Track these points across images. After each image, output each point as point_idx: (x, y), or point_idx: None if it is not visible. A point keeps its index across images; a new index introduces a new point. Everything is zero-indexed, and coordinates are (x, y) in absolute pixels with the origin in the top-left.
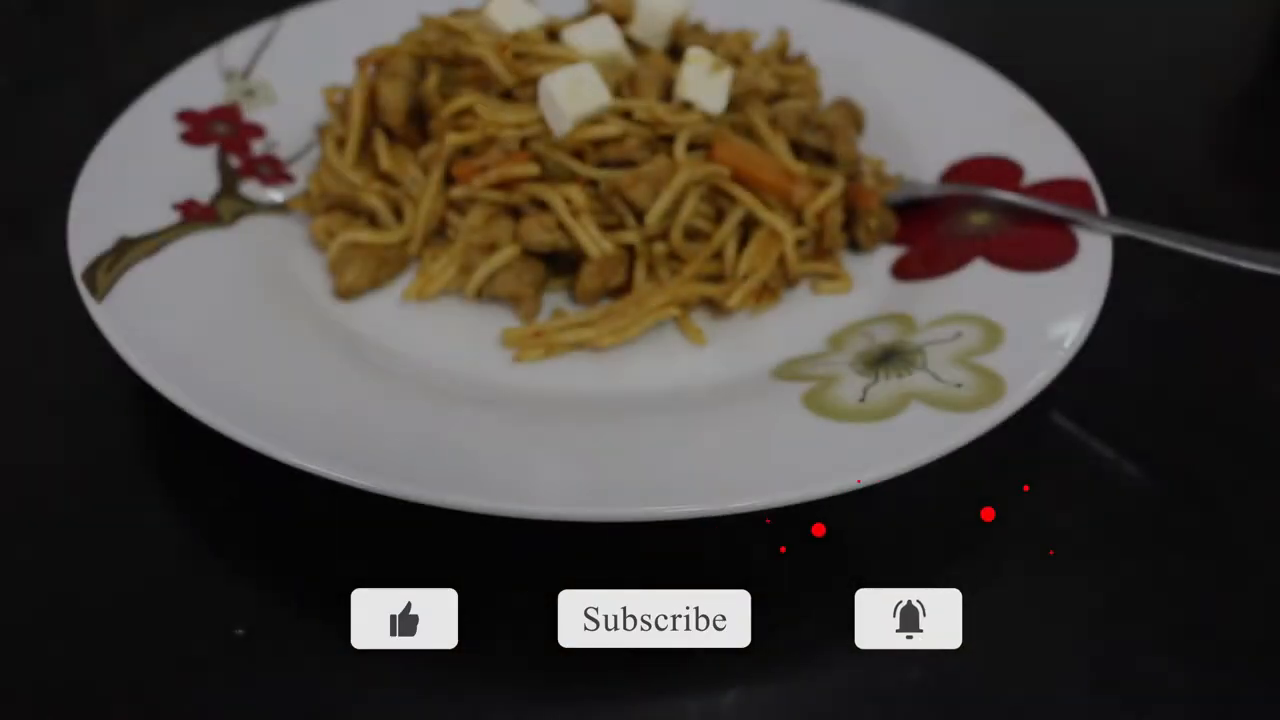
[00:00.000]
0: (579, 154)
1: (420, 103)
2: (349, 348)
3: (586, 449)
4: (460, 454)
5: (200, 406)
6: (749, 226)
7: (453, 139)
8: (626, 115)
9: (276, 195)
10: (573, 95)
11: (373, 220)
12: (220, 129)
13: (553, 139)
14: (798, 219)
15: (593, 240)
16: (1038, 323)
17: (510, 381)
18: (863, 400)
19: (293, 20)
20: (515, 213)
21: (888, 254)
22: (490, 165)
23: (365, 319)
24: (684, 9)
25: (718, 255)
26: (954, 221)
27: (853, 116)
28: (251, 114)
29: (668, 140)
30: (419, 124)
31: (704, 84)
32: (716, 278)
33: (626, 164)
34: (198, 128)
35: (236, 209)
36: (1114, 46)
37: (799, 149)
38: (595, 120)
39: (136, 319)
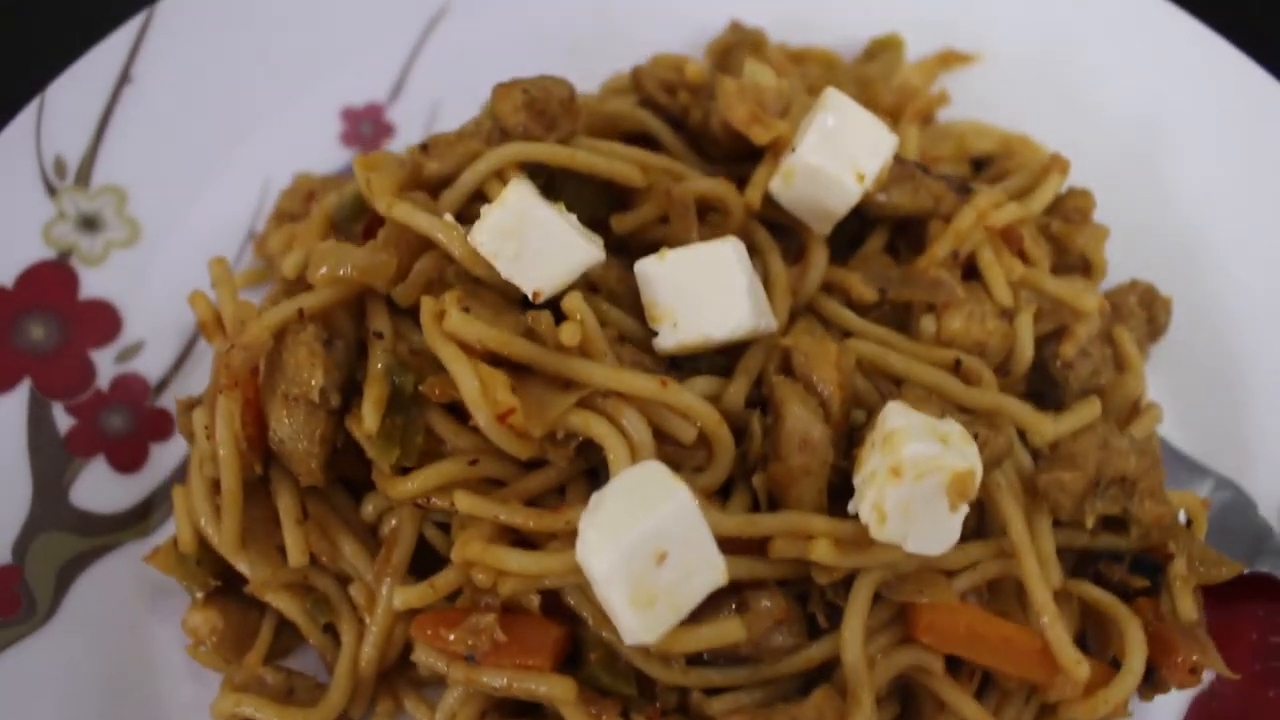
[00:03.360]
0: None
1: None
2: None
3: None
4: None
5: None
6: None
7: (409, 595)
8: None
9: (135, 489)
10: (643, 592)
11: (281, 629)
12: (36, 333)
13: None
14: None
15: None
16: None
17: None
18: None
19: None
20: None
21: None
22: (480, 649)
23: None
24: (883, 164)
25: None
26: None
27: (1152, 320)
28: (93, 278)
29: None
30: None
31: (920, 496)
32: None
33: (745, 660)
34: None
35: (61, 561)
36: None
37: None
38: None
39: None
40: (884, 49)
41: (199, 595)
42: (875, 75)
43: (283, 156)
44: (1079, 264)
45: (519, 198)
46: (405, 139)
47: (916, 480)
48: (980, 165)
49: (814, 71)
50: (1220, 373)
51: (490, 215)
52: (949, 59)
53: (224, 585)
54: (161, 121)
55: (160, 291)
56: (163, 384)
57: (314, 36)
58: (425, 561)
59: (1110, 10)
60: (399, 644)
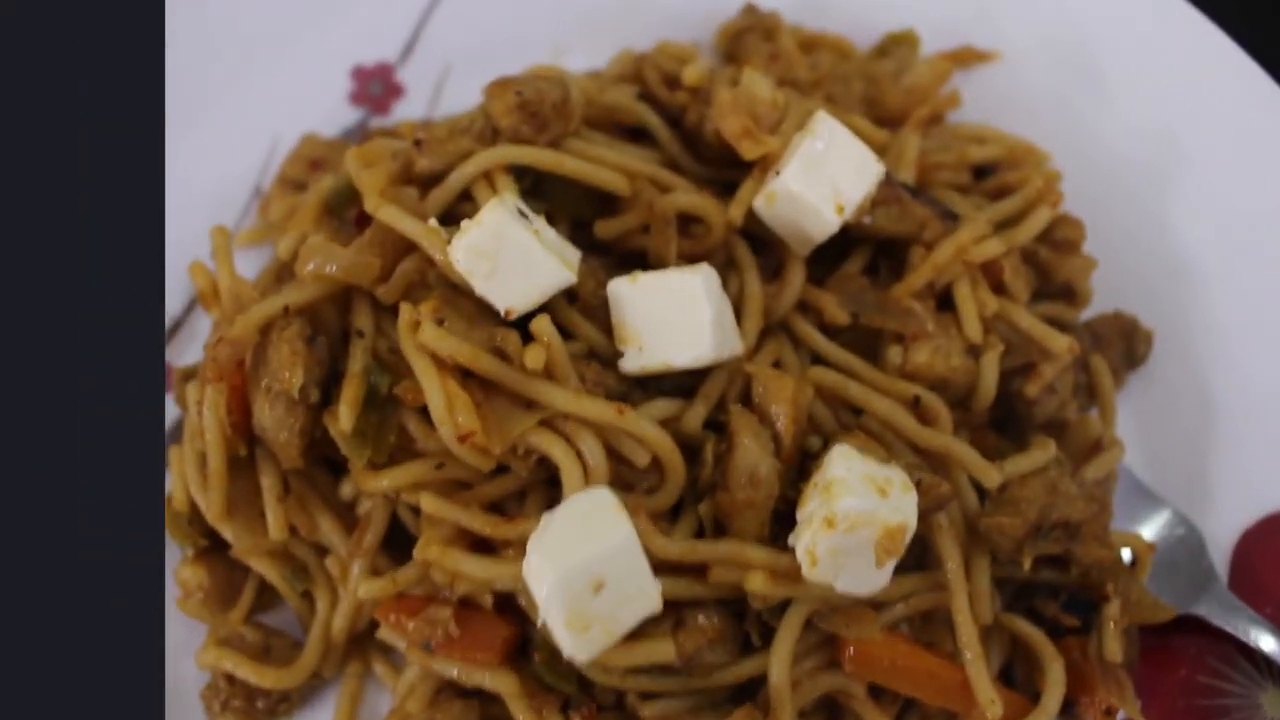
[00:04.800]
0: None
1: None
2: None
3: None
4: None
5: None
6: None
7: (372, 587)
8: (695, 569)
9: None
10: (579, 617)
11: (263, 588)
12: None
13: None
14: None
15: None
16: None
17: None
18: None
19: None
20: (479, 696)
21: None
22: (435, 640)
23: None
24: (866, 193)
25: None
26: (1224, 688)
27: (1130, 351)
28: None
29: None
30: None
31: (850, 547)
32: None
33: (677, 671)
34: None
35: None
36: None
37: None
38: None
39: None
40: (897, 45)
41: (189, 552)
42: (885, 73)
43: (292, 115)
44: (1063, 290)
45: (495, 219)
46: (414, 101)
47: (848, 532)
48: (982, 172)
49: (826, 60)
50: (1193, 411)
51: (468, 234)
52: (966, 56)
53: (212, 545)
54: (176, 75)
55: (171, 241)
56: (173, 330)
57: None
58: (399, 537)
59: (1136, 16)
60: (368, 615)
